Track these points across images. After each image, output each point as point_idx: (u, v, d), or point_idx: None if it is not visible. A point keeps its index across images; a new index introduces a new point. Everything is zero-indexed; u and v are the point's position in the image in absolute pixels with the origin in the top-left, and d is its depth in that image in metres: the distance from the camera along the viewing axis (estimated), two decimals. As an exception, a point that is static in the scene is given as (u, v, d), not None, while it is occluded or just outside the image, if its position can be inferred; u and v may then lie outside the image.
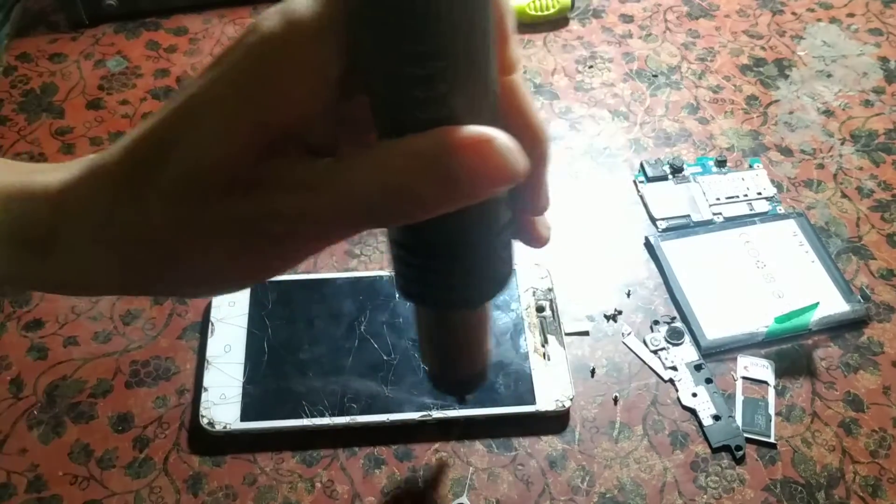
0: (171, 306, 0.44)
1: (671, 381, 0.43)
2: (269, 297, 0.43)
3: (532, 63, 0.59)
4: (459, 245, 0.21)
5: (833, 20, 0.63)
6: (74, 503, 0.38)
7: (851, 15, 0.64)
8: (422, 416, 0.40)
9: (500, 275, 0.23)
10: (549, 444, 0.40)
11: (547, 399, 0.40)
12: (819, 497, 0.39)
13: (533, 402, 0.40)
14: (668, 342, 0.44)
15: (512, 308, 0.44)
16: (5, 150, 0.51)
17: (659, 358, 0.43)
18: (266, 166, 0.20)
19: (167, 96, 0.54)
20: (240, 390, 0.40)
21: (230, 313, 0.43)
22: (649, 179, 0.51)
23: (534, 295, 0.44)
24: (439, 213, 0.19)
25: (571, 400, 0.41)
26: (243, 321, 0.42)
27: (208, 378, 0.40)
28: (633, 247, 0.48)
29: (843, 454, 0.40)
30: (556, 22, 0.62)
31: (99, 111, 0.54)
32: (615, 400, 0.42)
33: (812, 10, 0.64)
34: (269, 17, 0.19)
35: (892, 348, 0.44)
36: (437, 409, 0.40)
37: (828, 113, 0.56)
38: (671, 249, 0.47)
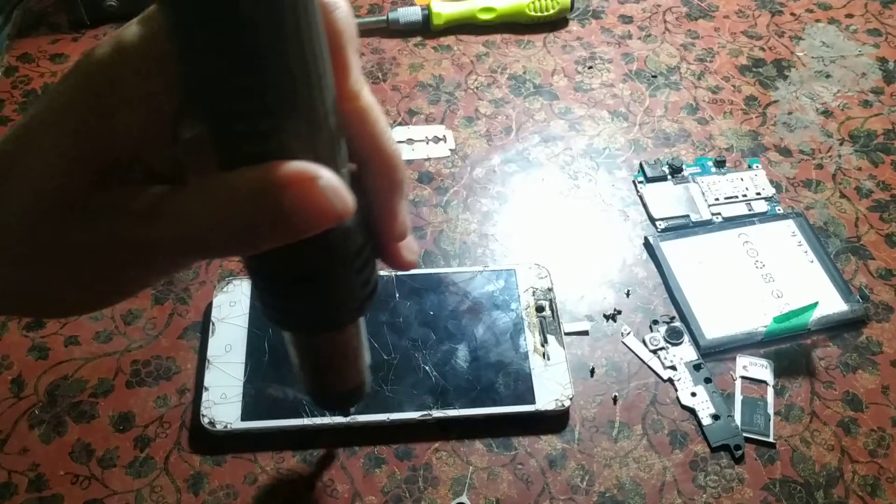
0: (171, 306, 0.45)
1: (670, 380, 0.43)
2: None
3: (532, 64, 0.59)
4: (309, 273, 0.22)
5: (832, 21, 0.63)
6: (75, 502, 0.38)
7: (850, 15, 0.64)
8: (422, 416, 0.40)
9: (358, 297, 0.23)
10: (548, 444, 0.40)
11: (547, 399, 0.40)
12: (818, 496, 0.39)
13: (533, 401, 0.40)
14: (668, 342, 0.44)
15: (512, 308, 0.44)
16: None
17: (658, 357, 0.44)
18: (108, 193, 0.20)
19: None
20: (240, 390, 0.40)
21: (231, 313, 0.43)
22: (648, 180, 0.51)
23: (533, 295, 0.44)
24: (274, 245, 0.19)
25: (571, 399, 0.41)
26: (244, 321, 0.42)
27: (209, 378, 0.40)
28: (633, 247, 0.49)
29: (842, 454, 0.41)
30: (555, 23, 0.62)
31: (100, 112, 0.54)
32: (614, 399, 0.42)
33: (811, 11, 0.64)
34: (102, 45, 0.19)
35: (890, 348, 0.44)
36: (437, 408, 0.40)
37: (827, 113, 0.57)
38: (670, 249, 0.48)
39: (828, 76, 0.59)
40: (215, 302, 0.43)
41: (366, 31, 0.61)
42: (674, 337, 0.44)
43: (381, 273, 0.44)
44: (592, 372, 0.43)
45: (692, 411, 0.42)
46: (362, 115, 0.22)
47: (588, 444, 0.41)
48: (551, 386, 0.41)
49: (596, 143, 0.54)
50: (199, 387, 0.40)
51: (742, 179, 0.52)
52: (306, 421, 0.39)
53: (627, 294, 0.46)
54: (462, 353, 0.42)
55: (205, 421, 0.39)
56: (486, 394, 0.40)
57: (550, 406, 0.40)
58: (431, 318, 0.43)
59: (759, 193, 0.51)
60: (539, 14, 0.61)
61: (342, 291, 0.23)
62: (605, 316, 0.45)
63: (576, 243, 0.49)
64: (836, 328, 0.45)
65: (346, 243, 0.22)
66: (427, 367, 0.41)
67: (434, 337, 0.42)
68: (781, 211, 0.50)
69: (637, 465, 0.40)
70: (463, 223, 0.49)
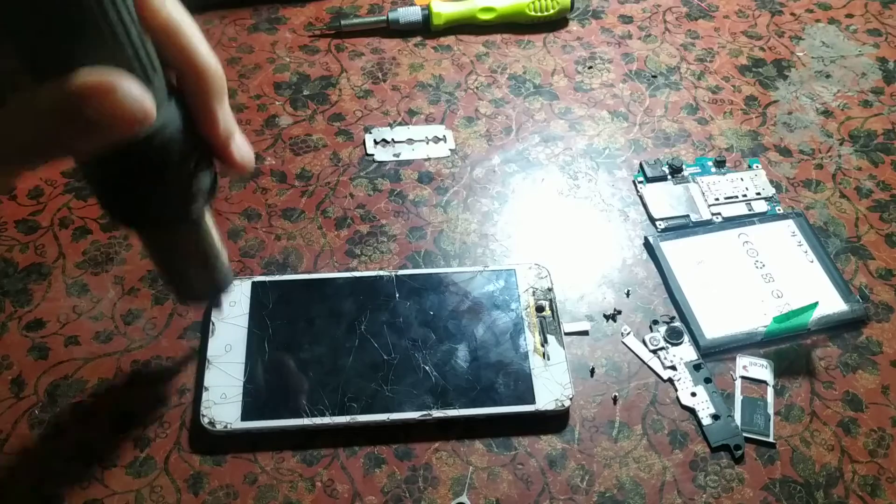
0: (171, 306, 0.44)
1: (670, 380, 0.43)
2: (270, 296, 0.43)
3: (532, 63, 0.59)
4: (135, 173, 0.24)
5: (832, 21, 0.63)
6: (75, 502, 0.38)
7: (850, 15, 0.64)
8: (422, 416, 0.40)
9: (195, 195, 0.26)
10: (548, 444, 0.40)
11: (547, 398, 0.40)
12: (818, 496, 0.39)
13: (533, 401, 0.40)
14: (668, 342, 0.44)
15: (512, 308, 0.44)
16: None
17: (658, 357, 0.44)
18: None
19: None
20: (240, 390, 0.40)
21: (231, 313, 0.43)
22: (648, 180, 0.51)
23: (533, 295, 0.44)
24: (91, 150, 0.22)
25: (571, 399, 0.41)
26: (244, 321, 0.42)
27: (209, 378, 0.40)
28: (633, 247, 0.49)
29: (842, 454, 0.41)
30: (555, 23, 0.62)
31: (99, 112, 0.54)
32: (614, 399, 0.42)
33: (811, 11, 0.64)
34: None
35: (890, 348, 0.44)
36: (437, 408, 0.40)
37: (826, 113, 0.57)
38: (670, 249, 0.48)
39: (828, 76, 0.59)
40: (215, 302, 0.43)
41: (366, 31, 0.61)
42: (674, 337, 0.44)
43: (382, 273, 0.45)
44: (592, 372, 0.43)
45: (692, 411, 0.42)
46: (168, 27, 0.24)
47: (588, 444, 0.41)
48: (551, 386, 0.41)
49: (596, 143, 0.54)
50: (199, 387, 0.40)
51: (742, 179, 0.52)
52: (306, 421, 0.39)
53: (627, 294, 0.46)
54: (462, 353, 0.42)
55: (205, 421, 0.39)
56: (486, 394, 0.40)
57: (550, 406, 0.40)
58: (431, 318, 0.43)
59: (759, 193, 0.51)
60: (539, 14, 0.61)
61: (170, 193, 0.26)
62: (605, 316, 0.45)
63: (576, 243, 0.49)
64: (836, 328, 0.45)
65: (168, 147, 0.24)
66: (427, 367, 0.41)
67: (434, 337, 0.42)
68: (781, 211, 0.50)
69: (637, 465, 0.40)
70: (463, 223, 0.49)
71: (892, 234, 0.50)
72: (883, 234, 0.50)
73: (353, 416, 0.39)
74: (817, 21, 0.63)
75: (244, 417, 0.39)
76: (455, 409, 0.40)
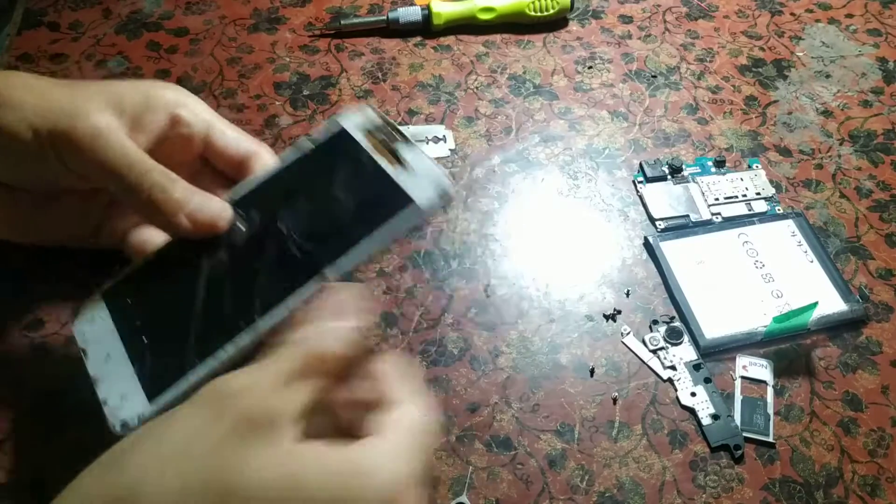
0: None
1: (670, 380, 0.43)
2: (124, 294, 0.40)
3: (532, 63, 0.59)
4: None
5: (832, 21, 0.63)
6: (75, 502, 0.38)
7: (850, 16, 0.64)
8: (317, 283, 0.36)
9: None
10: (548, 444, 0.41)
11: (424, 195, 0.36)
12: (818, 496, 0.39)
13: (410, 201, 0.36)
14: (667, 342, 0.44)
15: (359, 159, 0.39)
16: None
17: (658, 357, 0.44)
18: None
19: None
20: (135, 378, 0.37)
21: (93, 329, 0.39)
22: (648, 180, 0.51)
23: (371, 136, 0.39)
24: None
25: (454, 191, 0.38)
26: (109, 325, 0.39)
27: (102, 391, 0.37)
28: (633, 247, 0.49)
29: (842, 454, 0.41)
30: (555, 22, 0.62)
31: (99, 112, 0.54)
32: (614, 399, 0.42)
33: (811, 11, 0.64)
34: None
35: (890, 348, 0.44)
36: (329, 266, 0.36)
37: (826, 113, 0.57)
38: (670, 249, 0.48)
39: (828, 76, 0.59)
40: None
41: (366, 31, 0.61)
42: (673, 337, 0.44)
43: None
44: (592, 372, 0.43)
45: (692, 411, 0.42)
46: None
47: (588, 443, 0.41)
48: (423, 182, 0.37)
49: (596, 143, 0.54)
50: (98, 406, 0.39)
51: (742, 179, 0.52)
52: (220, 356, 0.36)
53: (627, 294, 0.46)
54: (327, 220, 0.38)
55: (118, 430, 0.37)
56: (365, 225, 0.36)
57: (432, 196, 0.36)
58: (286, 213, 0.39)
59: (758, 193, 0.51)
60: (539, 14, 0.61)
61: None
62: (604, 316, 0.45)
63: (576, 243, 0.49)
64: (835, 328, 0.45)
65: None
66: (296, 248, 0.37)
67: (302, 224, 0.38)
68: (781, 211, 0.50)
69: (637, 465, 0.40)
70: (463, 223, 0.49)
71: (891, 234, 0.50)
72: (883, 234, 0.50)
73: (255, 328, 0.36)
74: (817, 21, 0.63)
75: (151, 397, 0.36)
76: (345, 256, 0.36)
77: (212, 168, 0.41)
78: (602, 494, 0.39)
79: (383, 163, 0.38)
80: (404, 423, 0.30)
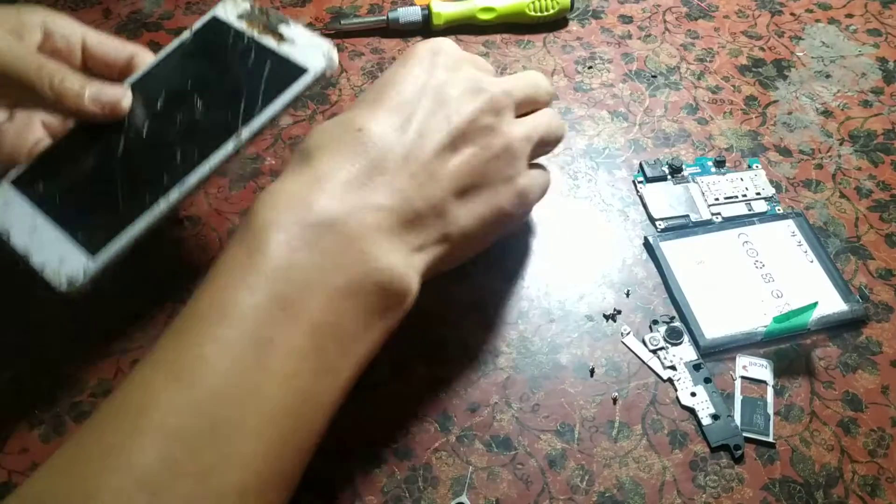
0: (172, 306, 0.45)
1: (670, 380, 0.43)
2: (31, 178, 0.41)
3: (532, 64, 0.59)
4: None
5: (832, 21, 0.63)
6: (75, 502, 0.38)
7: (850, 16, 0.64)
8: (234, 146, 0.38)
9: None
10: (548, 444, 0.41)
11: (312, 63, 0.39)
12: (818, 496, 0.39)
13: (305, 70, 0.39)
14: (667, 342, 0.44)
15: (239, 47, 0.41)
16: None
17: (658, 357, 0.44)
18: None
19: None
20: (69, 240, 0.37)
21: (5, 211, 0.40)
22: (648, 180, 0.51)
23: (249, 20, 0.42)
24: None
25: (336, 59, 0.40)
26: (15, 196, 0.40)
27: (36, 257, 0.37)
28: (633, 247, 0.49)
29: (842, 454, 0.41)
30: (555, 23, 0.62)
31: (99, 112, 0.54)
32: (614, 399, 0.42)
33: (811, 11, 0.64)
34: None
35: (890, 348, 0.44)
36: (237, 133, 0.38)
37: (826, 113, 0.57)
38: (670, 249, 0.48)
39: (828, 76, 0.59)
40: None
41: (366, 31, 0.61)
42: (673, 337, 0.44)
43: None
44: (592, 372, 0.43)
45: (692, 411, 0.42)
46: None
47: (588, 443, 0.41)
48: (309, 51, 0.40)
49: (596, 143, 0.54)
50: (35, 277, 0.38)
51: (742, 179, 0.52)
52: (162, 206, 0.38)
53: (627, 294, 0.46)
54: (228, 90, 0.40)
55: (64, 287, 0.36)
56: (266, 91, 0.39)
57: (320, 62, 0.39)
58: (168, 110, 0.40)
59: (758, 193, 0.51)
60: (539, 14, 0.61)
61: None
62: (604, 316, 0.45)
63: (575, 243, 0.49)
64: (835, 328, 0.45)
65: None
66: (208, 115, 0.39)
67: (207, 97, 0.40)
68: (781, 211, 0.50)
69: (637, 465, 0.40)
70: (463, 223, 0.49)
71: (892, 234, 0.50)
72: (883, 234, 0.50)
73: (183, 183, 0.37)
74: (817, 21, 0.63)
75: (93, 252, 0.36)
76: (257, 117, 0.38)
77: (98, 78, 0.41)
78: (602, 494, 0.39)
79: (263, 39, 0.41)
80: None
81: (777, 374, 0.43)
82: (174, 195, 0.37)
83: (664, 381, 0.43)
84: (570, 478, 0.39)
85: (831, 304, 0.45)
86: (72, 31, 0.42)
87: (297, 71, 0.39)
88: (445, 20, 0.60)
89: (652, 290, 0.47)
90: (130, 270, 0.47)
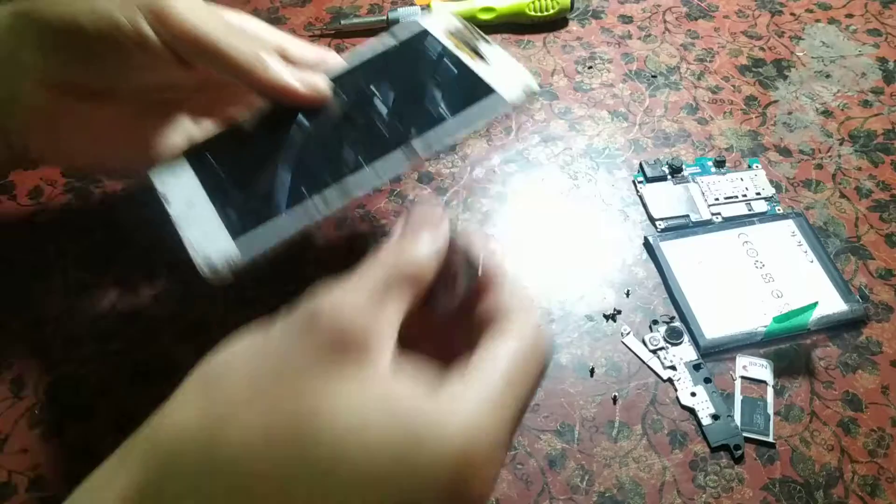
0: (171, 306, 0.44)
1: (670, 380, 0.43)
2: (207, 154, 0.41)
3: (532, 64, 0.59)
4: None
5: (832, 21, 0.63)
6: (75, 502, 0.38)
7: (850, 16, 0.64)
8: (406, 154, 0.38)
9: None
10: (548, 444, 0.41)
11: (508, 88, 0.39)
12: (818, 496, 0.39)
13: (492, 90, 0.39)
14: (667, 342, 0.44)
15: (443, 58, 0.41)
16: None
17: (658, 357, 0.44)
18: None
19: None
20: (218, 220, 0.38)
21: (174, 182, 0.40)
22: (648, 180, 0.51)
23: (454, 35, 0.42)
24: None
25: (539, 89, 0.39)
26: (189, 173, 0.40)
27: (187, 234, 0.37)
28: (633, 247, 0.49)
29: (842, 454, 0.41)
30: (555, 23, 0.62)
31: (100, 112, 0.54)
32: (614, 399, 0.42)
33: (811, 11, 0.64)
34: None
35: (890, 348, 0.44)
36: (415, 137, 0.38)
37: (826, 113, 0.57)
38: (670, 249, 0.48)
39: (828, 76, 0.59)
40: (215, 301, 0.43)
41: (366, 31, 0.61)
42: (673, 337, 0.44)
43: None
44: (592, 372, 0.43)
45: (692, 411, 0.42)
46: (194, 41, 0.37)
47: (588, 443, 0.41)
48: (505, 76, 0.40)
49: (596, 143, 0.54)
50: (184, 250, 0.39)
51: (742, 179, 0.52)
52: (309, 207, 0.37)
53: (627, 294, 0.46)
54: (413, 101, 0.40)
55: (206, 270, 0.37)
56: (451, 107, 0.39)
57: (514, 88, 0.39)
58: (372, 107, 0.40)
59: (758, 193, 0.51)
60: (539, 14, 0.61)
61: None
62: (604, 316, 0.45)
63: (576, 243, 0.49)
64: (835, 328, 0.45)
65: None
66: (387, 120, 0.39)
67: (390, 102, 0.40)
68: (781, 211, 0.50)
69: (637, 465, 0.40)
70: (463, 223, 0.49)
71: (892, 234, 0.50)
72: (883, 234, 0.50)
73: (343, 185, 0.37)
74: (817, 21, 0.63)
75: (236, 237, 0.36)
76: (432, 131, 0.38)
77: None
78: (602, 494, 0.39)
79: (466, 58, 0.41)
80: (510, 343, 0.26)
81: (777, 374, 0.43)
82: (332, 195, 0.37)
83: (664, 381, 0.43)
84: (570, 478, 0.39)
85: (831, 304, 0.45)
86: (272, 35, 0.41)
87: (486, 92, 0.39)
88: (445, 20, 0.60)
89: (652, 290, 0.47)
90: (130, 270, 0.47)
